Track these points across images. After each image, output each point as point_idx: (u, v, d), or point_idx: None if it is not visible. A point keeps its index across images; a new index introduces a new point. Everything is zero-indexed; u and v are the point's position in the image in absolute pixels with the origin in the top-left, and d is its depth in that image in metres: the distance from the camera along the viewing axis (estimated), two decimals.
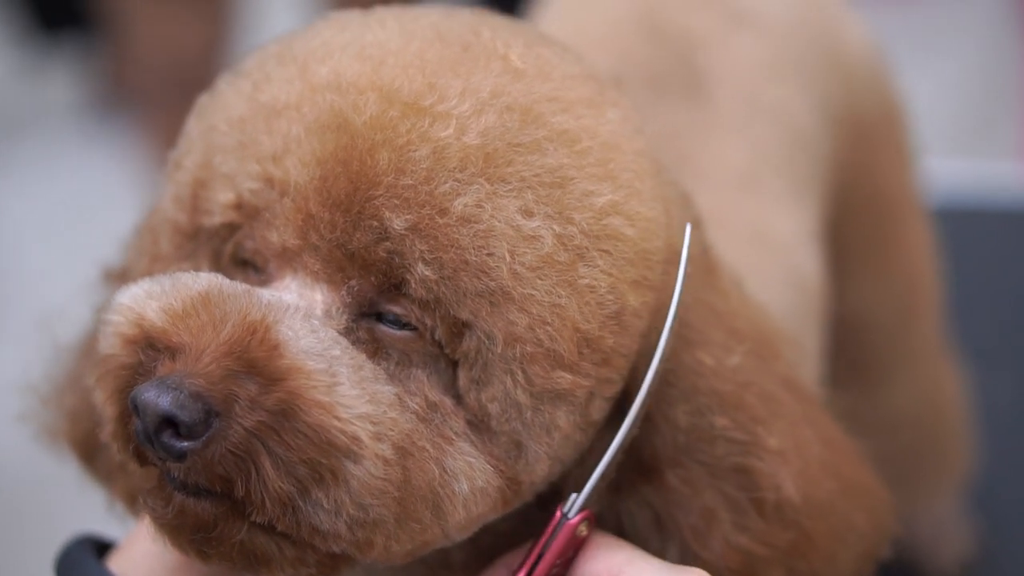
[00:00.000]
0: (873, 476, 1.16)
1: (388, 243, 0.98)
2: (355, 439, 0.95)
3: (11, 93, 4.40)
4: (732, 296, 1.13)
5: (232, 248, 1.07)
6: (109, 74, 4.28)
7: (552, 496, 1.08)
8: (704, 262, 1.12)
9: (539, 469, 1.03)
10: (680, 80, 1.57)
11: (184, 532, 0.99)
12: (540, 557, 1.02)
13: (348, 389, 0.96)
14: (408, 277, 0.98)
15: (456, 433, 1.00)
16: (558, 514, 1.02)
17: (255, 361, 0.95)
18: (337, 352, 0.98)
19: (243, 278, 1.05)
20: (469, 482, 1.00)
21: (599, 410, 1.03)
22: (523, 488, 1.04)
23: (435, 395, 1.00)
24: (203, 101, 1.11)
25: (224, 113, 1.07)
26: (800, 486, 1.08)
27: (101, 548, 1.14)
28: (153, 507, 0.99)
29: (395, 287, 1.00)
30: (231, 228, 1.06)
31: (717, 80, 1.58)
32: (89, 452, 1.19)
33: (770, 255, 1.49)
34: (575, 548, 1.02)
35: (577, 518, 1.02)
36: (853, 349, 1.77)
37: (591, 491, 1.02)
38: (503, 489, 1.02)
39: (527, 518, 1.10)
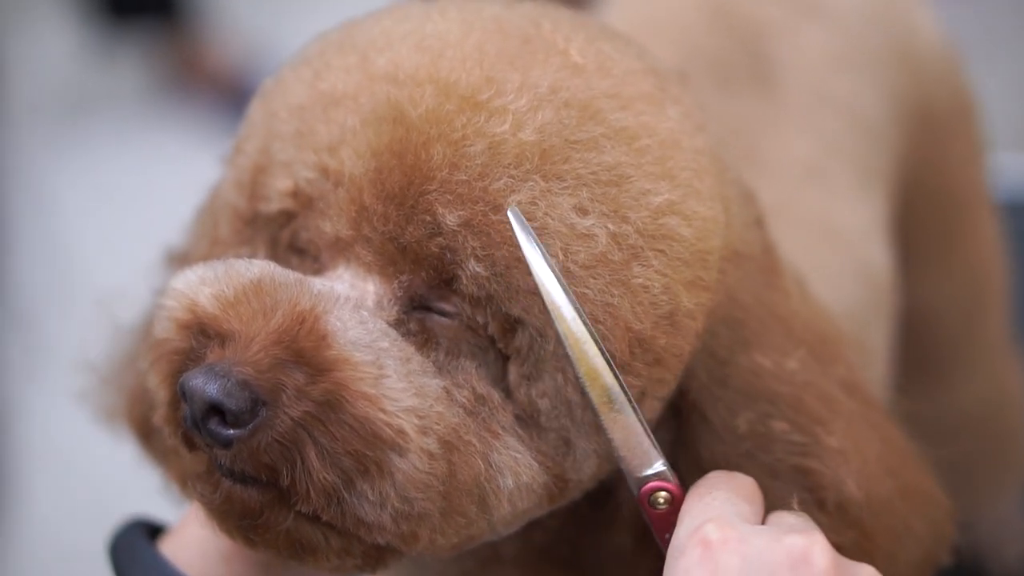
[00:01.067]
0: (933, 481, 1.14)
1: (441, 238, 0.98)
2: (400, 432, 0.95)
3: (79, 74, 4.42)
4: (793, 297, 1.11)
5: (289, 235, 1.07)
6: (178, 58, 4.29)
7: (603, 494, 1.08)
8: (765, 261, 1.10)
9: (587, 467, 1.02)
10: (747, 70, 1.55)
11: (231, 518, 0.99)
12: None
13: (395, 382, 0.96)
14: (460, 273, 0.97)
15: (503, 427, 0.99)
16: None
17: (303, 351, 0.95)
18: (385, 344, 0.97)
19: (299, 266, 1.05)
20: (515, 477, 0.99)
21: (651, 410, 1.02)
22: (570, 486, 1.03)
23: (483, 388, 1.00)
24: (267, 86, 1.11)
25: (284, 99, 1.07)
26: (862, 484, 1.07)
27: (154, 531, 1.15)
28: (201, 492, 1.00)
29: (446, 283, 0.99)
30: (288, 215, 1.06)
31: (785, 71, 1.56)
32: (146, 433, 1.19)
33: (838, 249, 1.48)
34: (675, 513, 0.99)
35: (642, 493, 0.99)
36: (918, 345, 1.75)
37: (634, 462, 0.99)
38: (549, 486, 1.01)
39: (577, 515, 1.10)
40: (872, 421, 1.11)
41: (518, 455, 0.99)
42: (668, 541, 0.97)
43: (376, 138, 1.00)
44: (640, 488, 0.99)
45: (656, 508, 0.99)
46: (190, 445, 1.00)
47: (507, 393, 1.00)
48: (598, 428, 0.99)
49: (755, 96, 1.54)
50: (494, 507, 1.00)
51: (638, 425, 0.98)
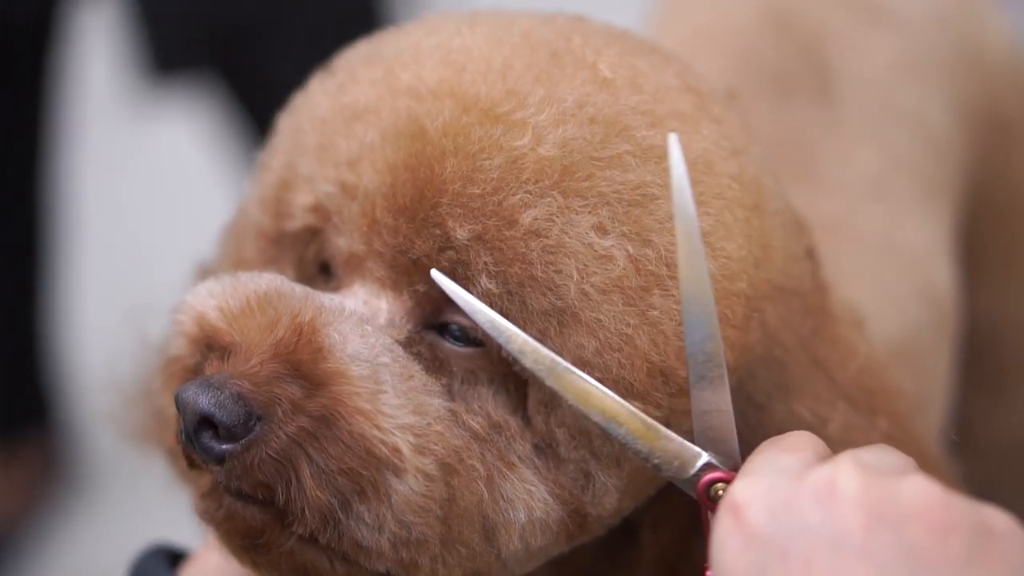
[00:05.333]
0: None
1: (452, 252, 0.95)
2: (396, 451, 0.91)
3: None
4: (841, 341, 1.06)
5: (314, 253, 1.04)
6: None
7: (629, 530, 1.04)
8: (814, 300, 1.04)
9: (607, 502, 0.97)
10: (808, 80, 1.51)
11: (234, 537, 0.97)
12: None
13: (392, 398, 0.93)
14: (472, 290, 0.94)
15: (520, 458, 0.96)
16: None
17: (300, 364, 0.93)
18: (386, 359, 0.94)
19: (323, 285, 1.03)
20: (528, 512, 0.96)
21: None
22: (589, 521, 0.98)
23: (499, 415, 0.96)
24: (296, 99, 1.08)
25: (309, 112, 1.05)
26: None
27: (176, 558, 1.12)
28: (205, 508, 0.97)
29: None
30: (312, 232, 1.03)
31: (847, 80, 1.52)
32: (176, 454, 1.16)
33: (901, 267, 1.44)
34: None
35: (699, 491, 0.92)
36: (980, 364, 1.69)
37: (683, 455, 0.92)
38: (565, 522, 0.97)
39: (609, 550, 1.06)
40: None
41: (533, 488, 0.96)
42: None
43: (394, 153, 0.97)
44: (696, 487, 0.92)
45: (717, 501, 0.92)
46: (191, 462, 0.97)
47: (526, 421, 0.96)
48: (618, 461, 0.95)
49: (815, 107, 1.49)
50: (504, 541, 0.96)
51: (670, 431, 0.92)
